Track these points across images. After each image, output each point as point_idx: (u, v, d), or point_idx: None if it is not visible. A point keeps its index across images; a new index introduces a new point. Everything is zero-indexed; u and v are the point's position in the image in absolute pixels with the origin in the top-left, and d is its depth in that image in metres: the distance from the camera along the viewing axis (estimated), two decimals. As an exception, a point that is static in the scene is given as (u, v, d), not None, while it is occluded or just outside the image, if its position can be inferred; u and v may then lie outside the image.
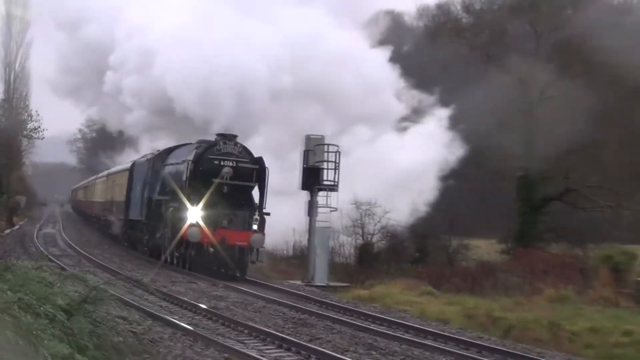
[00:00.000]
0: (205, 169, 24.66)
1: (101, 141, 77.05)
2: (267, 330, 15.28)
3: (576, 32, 36.28)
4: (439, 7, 39.16)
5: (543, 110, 33.95)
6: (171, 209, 25.83)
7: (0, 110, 53.16)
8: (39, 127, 52.94)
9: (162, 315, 15.89)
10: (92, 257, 30.30)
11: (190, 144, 28.68)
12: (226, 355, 12.31)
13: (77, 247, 35.77)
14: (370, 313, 19.60)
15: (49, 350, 3.26)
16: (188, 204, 24.15)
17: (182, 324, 14.94)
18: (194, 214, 23.92)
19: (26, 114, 54.35)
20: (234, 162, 24.71)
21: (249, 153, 25.72)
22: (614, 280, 25.58)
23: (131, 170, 35.16)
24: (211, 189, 24.06)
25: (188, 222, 23.83)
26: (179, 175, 26.36)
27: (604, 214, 32.76)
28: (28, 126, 53.28)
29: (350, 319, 18.01)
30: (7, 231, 43.38)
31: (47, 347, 3.26)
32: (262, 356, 12.41)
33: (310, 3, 36.65)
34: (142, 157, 35.38)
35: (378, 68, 36.10)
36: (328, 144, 27.17)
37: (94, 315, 5.15)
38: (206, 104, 28.46)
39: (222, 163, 24.56)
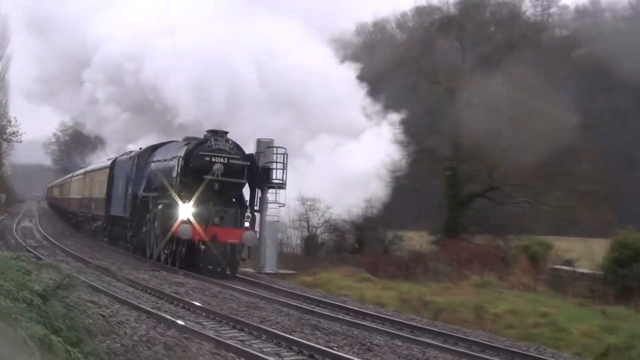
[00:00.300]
0: (196, 165, 22.65)
1: (74, 144, 78.09)
2: (222, 312, 15.33)
3: (497, 47, 37.01)
4: (375, 24, 39.35)
5: (468, 116, 34.40)
6: (160, 205, 23.82)
7: None
8: (17, 131, 54.80)
9: (128, 300, 15.80)
10: (66, 248, 29.79)
11: (176, 141, 27.20)
12: (186, 335, 12.30)
13: (52, 239, 35.28)
14: (314, 297, 19.74)
15: (26, 331, 3.25)
16: (179, 201, 22.21)
17: (146, 308, 14.93)
18: (185, 210, 21.89)
19: (5, 120, 56.13)
20: (225, 159, 22.67)
21: (240, 150, 23.76)
22: (532, 267, 25.95)
23: (112, 167, 33.42)
24: (202, 186, 22.03)
25: (179, 219, 21.81)
26: (169, 171, 24.24)
27: (522, 208, 33.27)
28: (7, 131, 55.16)
29: (297, 303, 18.11)
30: None
31: (24, 328, 3.25)
32: (218, 336, 12.39)
33: (288, 13, 36.47)
34: (124, 154, 33.56)
35: (343, 84, 35.65)
36: (277, 147, 26.23)
37: (67, 300, 5.12)
38: (198, 101, 27.01)
39: (213, 159, 22.49)
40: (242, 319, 14.41)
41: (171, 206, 22.75)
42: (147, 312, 14.52)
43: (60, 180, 64.07)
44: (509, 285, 24.03)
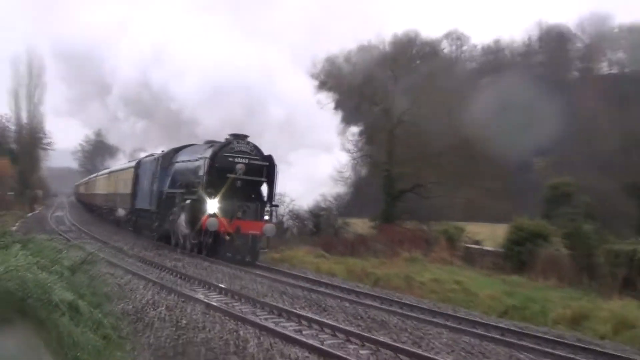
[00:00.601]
0: (221, 165, 20.81)
1: (96, 151, 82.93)
2: (210, 281, 15.33)
3: (422, 76, 37.47)
4: (327, 59, 39.31)
5: (400, 130, 34.75)
6: (188, 200, 21.76)
7: (24, 131, 56.29)
8: (51, 142, 61.95)
9: (138, 272, 15.88)
10: (90, 233, 29.47)
11: (198, 144, 25.38)
12: (182, 299, 12.34)
13: (79, 226, 35.00)
14: (281, 270, 19.83)
15: (58, 297, 3.28)
16: (206, 197, 20.35)
17: (152, 278, 14.90)
18: (212, 205, 20.17)
19: (42, 133, 59.96)
20: (247, 159, 21.11)
21: (260, 151, 21.94)
22: (449, 246, 26.38)
23: (137, 167, 31.19)
24: (227, 184, 20.40)
25: (207, 213, 20.07)
26: (195, 170, 22.21)
27: (441, 201, 33.58)
28: (43, 142, 60.84)
29: (268, 274, 18.11)
30: (30, 215, 43.91)
31: (57, 294, 3.28)
32: (208, 300, 12.49)
33: (277, 42, 35.71)
34: (147, 156, 31.27)
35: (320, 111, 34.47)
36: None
37: (90, 272, 5.14)
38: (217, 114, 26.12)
39: (235, 160, 20.90)
40: (226, 287, 14.48)
41: (199, 201, 20.81)
42: (153, 281, 14.59)
43: (85, 179, 63.30)
44: (431, 260, 24.41)
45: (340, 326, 10.73)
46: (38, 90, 56.02)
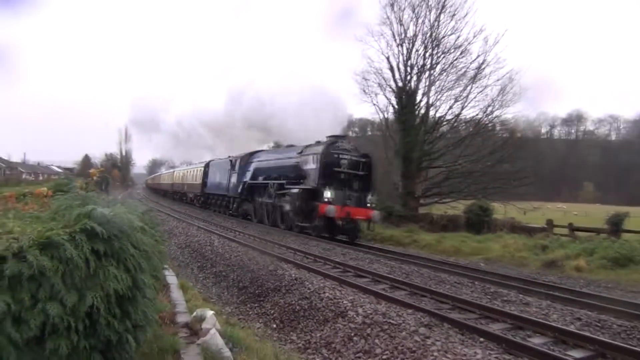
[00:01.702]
0: (329, 160, 23.13)
1: (154, 164, 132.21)
2: (333, 258, 16.63)
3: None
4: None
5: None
6: (295, 190, 23.95)
7: (123, 158, 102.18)
8: (134, 162, 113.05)
9: (173, 216, 29.51)
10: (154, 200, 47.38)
11: (277, 148, 33.12)
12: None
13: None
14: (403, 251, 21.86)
15: (136, 224, 4.73)
16: (321, 187, 22.57)
17: (181, 218, 20.36)
18: (329, 194, 22.24)
19: (131, 158, 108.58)
20: (349, 156, 23.55)
21: (357, 150, 24.50)
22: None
23: (206, 167, 41.98)
24: (336, 176, 23.03)
25: (325, 200, 22.08)
26: (296, 166, 25.27)
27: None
28: (131, 162, 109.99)
29: (377, 252, 20.08)
30: (126, 192, 65.61)
31: (136, 223, 4.73)
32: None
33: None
34: (213, 160, 41.63)
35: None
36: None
37: (150, 214, 6.93)
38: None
39: (341, 156, 23.38)
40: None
41: (310, 191, 23.13)
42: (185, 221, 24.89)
43: (151, 176, 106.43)
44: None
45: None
46: (129, 139, 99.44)
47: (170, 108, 64.38)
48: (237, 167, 33.02)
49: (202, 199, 43.67)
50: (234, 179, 33.26)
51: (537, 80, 51.76)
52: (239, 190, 31.81)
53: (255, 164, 31.00)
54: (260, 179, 29.22)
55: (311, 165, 23.93)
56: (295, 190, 23.88)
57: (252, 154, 32.75)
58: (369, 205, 23.16)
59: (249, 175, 31.10)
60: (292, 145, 28.27)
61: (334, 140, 23.95)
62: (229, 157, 36.17)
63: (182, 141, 60.43)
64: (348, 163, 23.33)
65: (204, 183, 42.04)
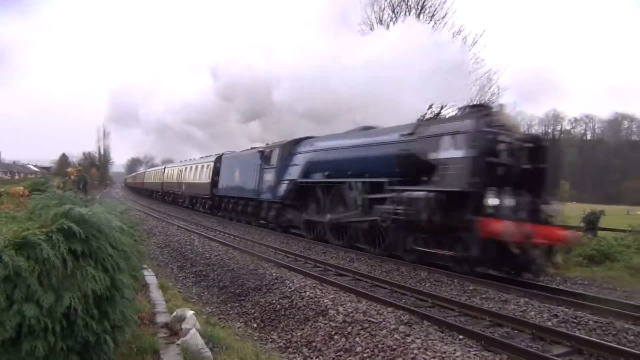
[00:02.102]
0: (486, 145, 12.91)
1: (135, 163, 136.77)
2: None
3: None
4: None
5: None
6: (423, 194, 13.80)
7: (102, 156, 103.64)
8: (113, 161, 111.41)
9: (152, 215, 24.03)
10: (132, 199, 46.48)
11: (312, 137, 23.43)
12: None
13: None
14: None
15: (115, 223, 4.63)
16: (480, 190, 12.82)
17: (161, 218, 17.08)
18: (496, 201, 12.75)
19: (109, 157, 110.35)
20: (514, 140, 12.98)
21: (520, 130, 14.56)
22: None
23: (216, 162, 33.89)
24: (497, 172, 13.28)
25: (489, 212, 12.57)
26: (427, 151, 14.44)
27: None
28: (109, 160, 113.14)
29: None
30: (104, 191, 70.20)
31: (114, 222, 4.61)
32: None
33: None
34: (224, 153, 33.89)
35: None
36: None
37: (129, 213, 6.71)
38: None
39: (503, 140, 12.80)
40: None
41: (452, 196, 13.24)
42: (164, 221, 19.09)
43: (131, 174, 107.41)
44: None
45: None
46: (107, 137, 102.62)
47: (153, 100, 64.78)
48: (274, 161, 24.57)
49: (210, 202, 34.86)
50: (268, 177, 24.87)
51: (516, 80, 51.95)
52: (280, 192, 23.48)
53: (309, 155, 21.98)
54: (319, 177, 20.71)
55: (451, 152, 13.91)
56: (420, 194, 13.99)
57: (297, 142, 23.99)
58: (551, 218, 13.58)
59: (296, 171, 22.54)
60: (369, 127, 19.82)
61: (486, 111, 14.22)
62: (254, 147, 28.63)
63: (168, 137, 56.11)
64: (517, 150, 13.45)
65: (214, 183, 33.43)
